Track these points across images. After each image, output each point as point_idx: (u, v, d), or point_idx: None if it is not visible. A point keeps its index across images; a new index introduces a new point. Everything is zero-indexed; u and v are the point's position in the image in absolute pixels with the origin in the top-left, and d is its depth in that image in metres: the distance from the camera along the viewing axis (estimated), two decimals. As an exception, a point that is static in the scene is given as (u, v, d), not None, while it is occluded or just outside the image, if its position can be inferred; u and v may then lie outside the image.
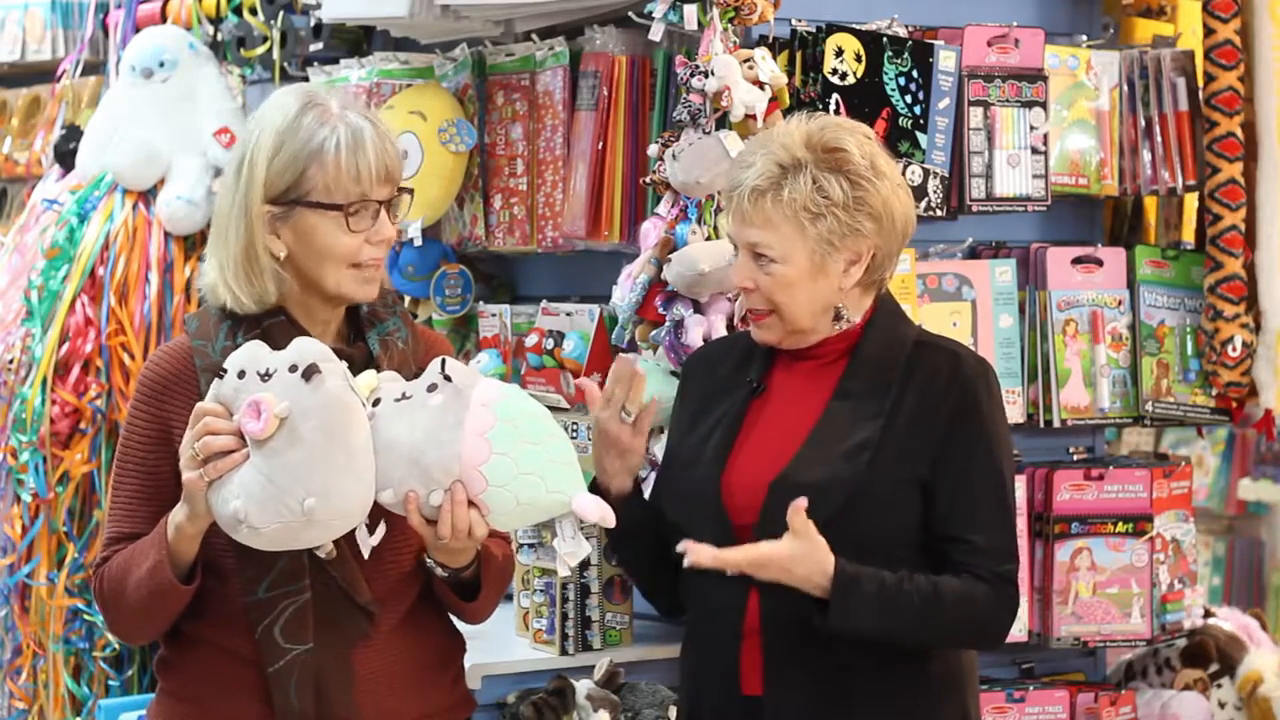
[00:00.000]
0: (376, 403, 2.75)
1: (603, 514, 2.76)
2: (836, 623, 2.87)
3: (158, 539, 2.78)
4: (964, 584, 2.93)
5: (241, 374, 2.70)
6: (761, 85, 3.54)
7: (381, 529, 2.77)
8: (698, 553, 2.88)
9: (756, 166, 2.94)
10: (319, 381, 2.69)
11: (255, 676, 2.81)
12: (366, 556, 2.78)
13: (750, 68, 3.54)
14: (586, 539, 3.03)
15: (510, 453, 2.72)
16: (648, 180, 3.66)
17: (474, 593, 2.93)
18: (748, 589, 2.95)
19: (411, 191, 2.89)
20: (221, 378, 2.71)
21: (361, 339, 2.90)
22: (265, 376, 2.69)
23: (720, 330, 3.52)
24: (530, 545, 3.88)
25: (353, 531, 2.77)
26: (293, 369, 2.69)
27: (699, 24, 3.54)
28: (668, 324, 3.56)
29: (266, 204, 2.79)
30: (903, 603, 2.88)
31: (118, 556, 2.85)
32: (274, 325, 2.84)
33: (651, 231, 3.63)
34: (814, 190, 2.92)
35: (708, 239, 3.56)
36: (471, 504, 2.73)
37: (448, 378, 2.73)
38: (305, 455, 2.67)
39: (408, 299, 4.35)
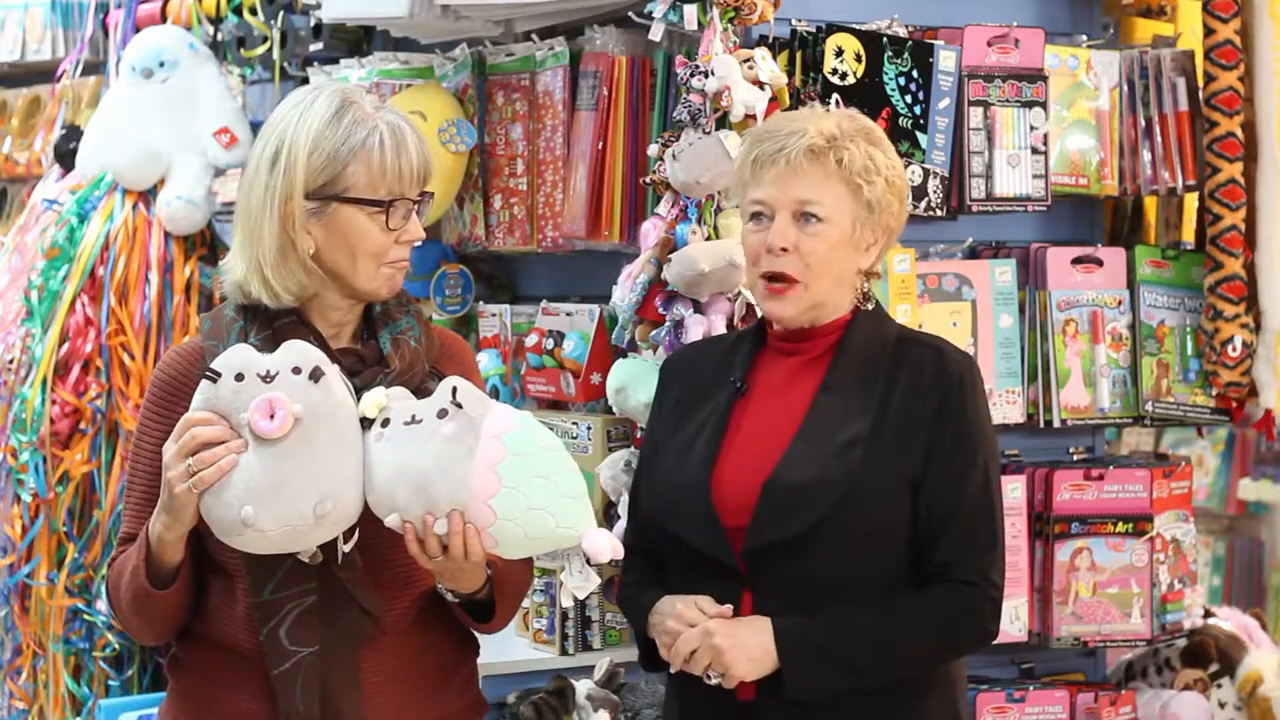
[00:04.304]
0: (386, 423, 2.73)
1: (614, 550, 2.74)
2: (798, 687, 2.88)
3: (140, 544, 2.78)
4: (929, 597, 2.91)
5: (240, 377, 2.68)
6: (761, 85, 3.54)
7: (355, 536, 2.77)
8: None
9: (809, 133, 2.94)
10: (326, 383, 2.69)
11: (262, 676, 2.81)
12: (340, 561, 2.78)
13: (750, 68, 3.54)
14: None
15: (520, 487, 2.69)
16: (648, 180, 3.66)
17: (489, 612, 2.92)
18: (740, 592, 2.94)
19: (433, 194, 2.90)
20: (214, 381, 2.69)
21: (374, 338, 2.90)
22: (267, 378, 2.68)
23: (720, 330, 3.52)
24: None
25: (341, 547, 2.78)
26: (296, 370, 2.68)
27: (699, 24, 3.54)
28: (668, 324, 3.56)
29: (305, 199, 2.79)
30: (861, 645, 2.88)
31: (119, 558, 2.86)
32: (286, 325, 2.83)
33: (651, 231, 3.63)
34: (868, 158, 2.95)
35: (708, 239, 3.56)
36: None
37: (459, 405, 2.71)
38: (320, 457, 2.67)
39: (408, 299, 4.35)
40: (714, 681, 2.91)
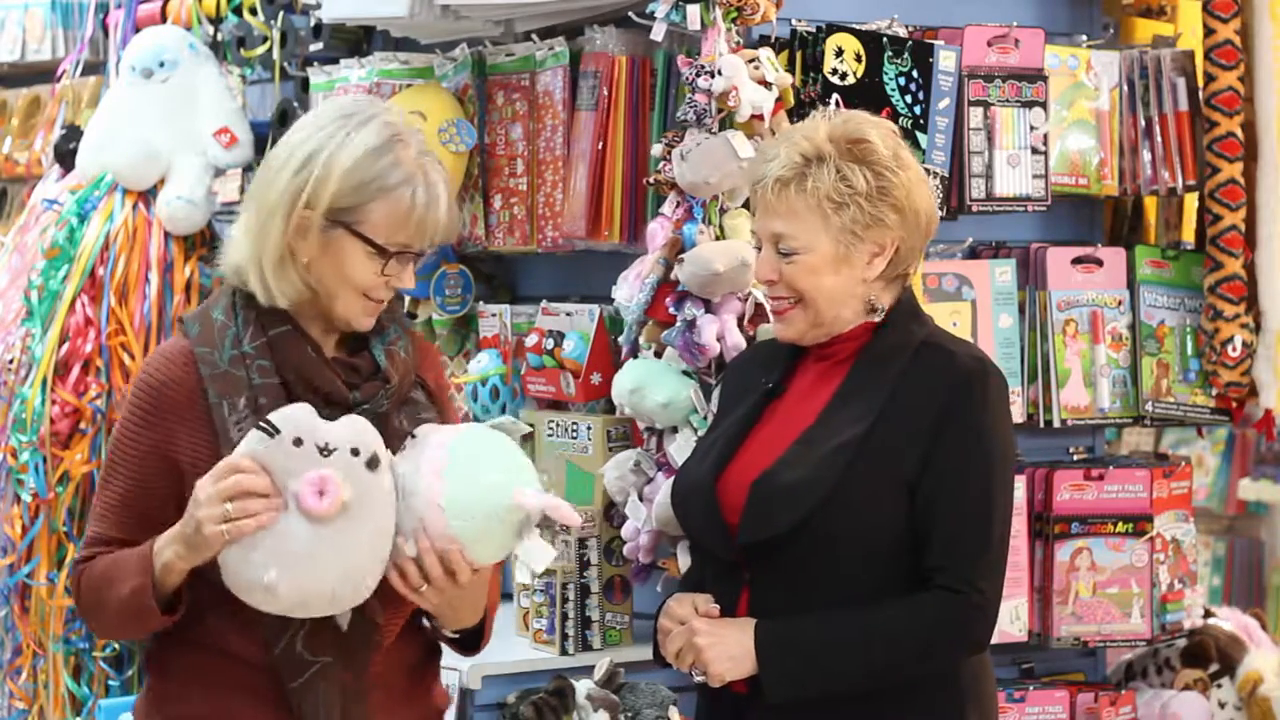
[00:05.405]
0: None
1: (546, 503, 2.72)
2: (774, 689, 2.88)
3: (142, 563, 2.73)
4: (911, 603, 2.89)
5: (299, 441, 2.64)
6: (768, 85, 3.54)
7: (349, 613, 2.77)
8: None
9: (780, 158, 2.95)
10: (380, 472, 2.68)
11: (268, 684, 2.79)
12: (345, 628, 2.77)
13: (756, 68, 3.54)
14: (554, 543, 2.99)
15: (463, 478, 2.69)
16: (651, 180, 3.66)
17: (477, 641, 2.93)
18: (740, 588, 2.96)
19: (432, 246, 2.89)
20: (271, 436, 2.64)
21: (365, 349, 2.88)
22: (325, 452, 2.64)
23: (732, 329, 3.52)
24: (530, 545, 3.87)
25: None
26: (354, 452, 2.66)
27: (702, 24, 3.54)
28: (679, 324, 3.56)
29: (321, 215, 2.77)
30: (838, 649, 2.87)
31: (100, 561, 2.81)
32: (282, 335, 2.81)
33: (659, 232, 3.63)
34: (838, 180, 2.92)
35: (716, 239, 3.56)
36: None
37: (413, 435, 2.76)
38: (355, 544, 2.66)
39: (408, 299, 4.35)
40: (699, 679, 2.94)
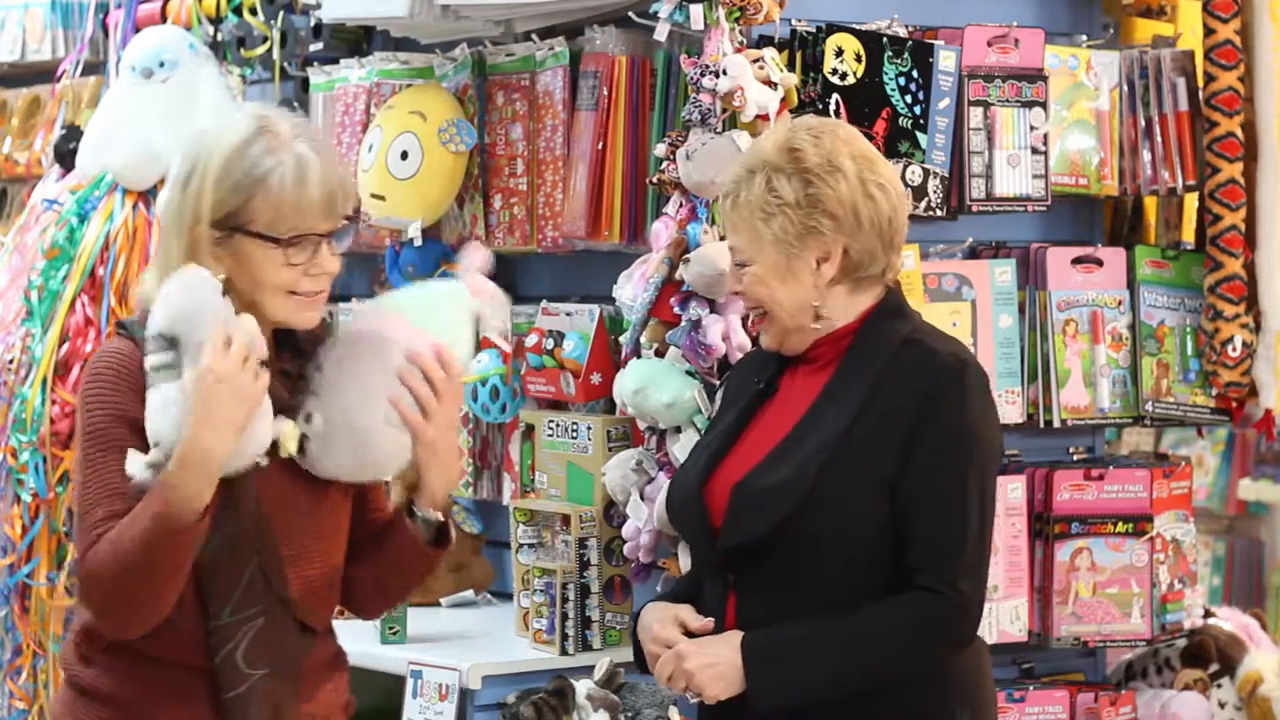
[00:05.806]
0: (309, 418, 2.82)
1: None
2: (763, 702, 2.88)
3: (151, 500, 2.65)
4: (892, 605, 2.88)
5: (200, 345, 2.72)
6: (773, 85, 3.54)
7: None
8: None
9: (730, 173, 2.99)
10: None
11: (205, 689, 2.79)
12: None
13: (760, 68, 3.54)
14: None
15: (407, 298, 2.99)
16: (654, 179, 3.66)
17: (446, 533, 2.94)
18: (727, 592, 2.96)
19: (356, 219, 2.87)
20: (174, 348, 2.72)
21: (304, 358, 2.87)
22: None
23: (737, 329, 3.52)
24: (530, 545, 3.88)
25: (285, 568, 2.82)
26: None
27: (705, 24, 3.54)
28: (684, 324, 3.56)
29: (210, 227, 2.75)
30: (823, 654, 2.87)
31: (109, 534, 2.69)
32: None
33: (663, 231, 3.63)
34: (766, 191, 2.92)
35: (721, 238, 3.56)
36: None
37: (321, 340, 2.91)
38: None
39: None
40: (694, 700, 2.95)
